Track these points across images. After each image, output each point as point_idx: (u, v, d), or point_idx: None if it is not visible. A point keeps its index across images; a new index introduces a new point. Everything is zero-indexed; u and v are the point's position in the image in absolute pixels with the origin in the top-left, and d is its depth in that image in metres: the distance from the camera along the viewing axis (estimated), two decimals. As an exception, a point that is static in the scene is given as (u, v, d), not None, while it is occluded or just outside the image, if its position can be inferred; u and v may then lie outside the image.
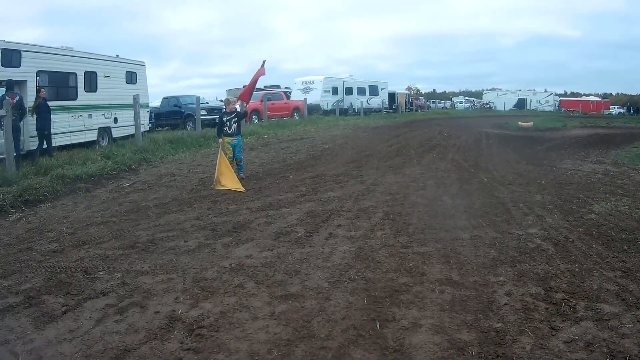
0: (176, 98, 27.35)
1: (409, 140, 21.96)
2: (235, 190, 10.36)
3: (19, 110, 13.11)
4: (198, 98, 22.33)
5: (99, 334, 4.25)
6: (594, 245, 6.77)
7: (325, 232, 7.43)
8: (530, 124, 33.13)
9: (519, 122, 33.88)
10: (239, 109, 11.98)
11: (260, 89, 29.44)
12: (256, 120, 26.83)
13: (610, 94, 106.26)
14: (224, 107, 12.50)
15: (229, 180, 10.70)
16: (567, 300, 4.98)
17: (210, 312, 4.69)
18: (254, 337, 4.23)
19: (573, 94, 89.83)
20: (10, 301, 4.92)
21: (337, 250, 6.60)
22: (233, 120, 11.50)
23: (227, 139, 11.49)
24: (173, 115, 26.40)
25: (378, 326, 4.48)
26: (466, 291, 5.24)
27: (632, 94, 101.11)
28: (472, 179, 12.23)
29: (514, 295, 5.13)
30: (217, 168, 10.81)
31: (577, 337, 4.19)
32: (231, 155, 11.47)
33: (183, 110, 26.03)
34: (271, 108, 28.74)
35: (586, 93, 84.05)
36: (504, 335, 4.25)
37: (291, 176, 12.13)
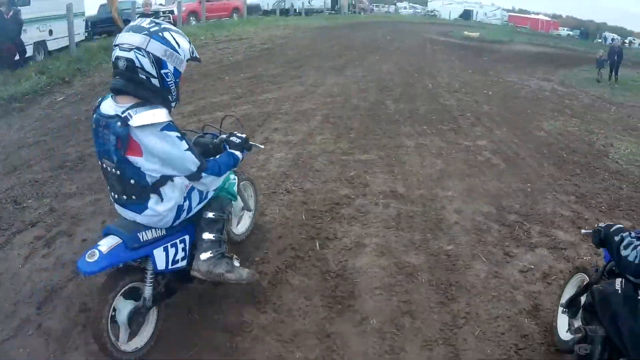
0: (113, 4, 25.61)
1: (352, 41, 20.97)
2: None
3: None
4: (134, 2, 20.89)
5: (27, 272, 3.73)
6: (545, 165, 6.51)
7: (260, 137, 6.77)
8: (476, 34, 32.81)
9: (465, 32, 33.44)
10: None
11: (199, -11, 28.12)
12: (194, 22, 25.49)
13: (560, 16, 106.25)
14: (142, 9, 11.76)
15: None
16: (521, 223, 4.66)
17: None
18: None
19: (521, 11, 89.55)
20: None
21: (273, 158, 6.01)
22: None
23: None
24: (110, 22, 24.71)
25: (318, 246, 4.02)
26: (413, 206, 4.80)
27: (582, 19, 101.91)
28: (416, 84, 11.77)
29: (464, 213, 4.75)
30: None
31: (533, 267, 3.88)
32: None
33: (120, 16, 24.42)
34: (209, 9, 27.09)
35: (535, 12, 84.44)
36: (456, 260, 3.87)
37: (227, 77, 11.11)
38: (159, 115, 2.55)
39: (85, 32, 20.42)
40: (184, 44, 2.70)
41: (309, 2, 42.65)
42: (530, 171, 6.16)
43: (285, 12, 37.45)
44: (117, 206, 2.83)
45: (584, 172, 6.44)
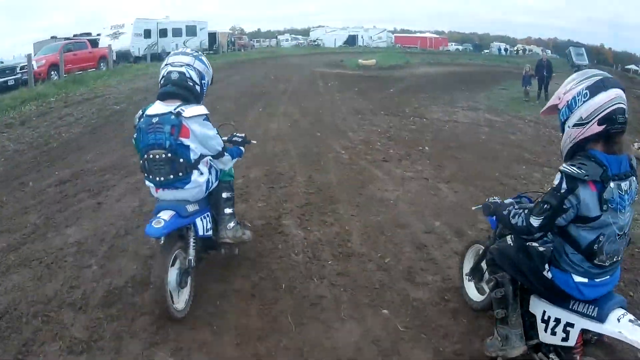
0: (-31, 58, 22.68)
1: (229, 87, 16.82)
2: None
3: None
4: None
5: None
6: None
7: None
8: (372, 61, 30.12)
9: (360, 60, 30.77)
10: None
11: (67, 39, 27.65)
12: (55, 77, 22.46)
13: (443, 32, 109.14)
14: None
15: None
16: None
17: None
18: None
19: (404, 31, 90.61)
20: None
21: None
22: None
23: None
24: None
25: None
26: None
27: (466, 32, 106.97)
28: (324, 153, 8.07)
29: None
30: None
31: None
32: None
33: None
34: (72, 60, 25.34)
35: (419, 30, 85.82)
36: None
37: (31, 183, 7.06)
38: (202, 109, 3.61)
39: None
40: (210, 67, 3.93)
41: (184, 44, 41.28)
42: None
43: (157, 57, 35.18)
44: (160, 191, 3.64)
45: None
